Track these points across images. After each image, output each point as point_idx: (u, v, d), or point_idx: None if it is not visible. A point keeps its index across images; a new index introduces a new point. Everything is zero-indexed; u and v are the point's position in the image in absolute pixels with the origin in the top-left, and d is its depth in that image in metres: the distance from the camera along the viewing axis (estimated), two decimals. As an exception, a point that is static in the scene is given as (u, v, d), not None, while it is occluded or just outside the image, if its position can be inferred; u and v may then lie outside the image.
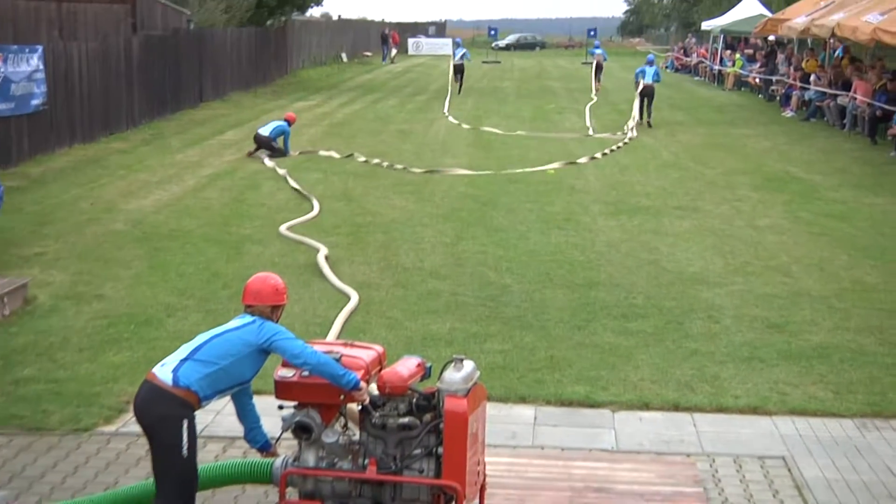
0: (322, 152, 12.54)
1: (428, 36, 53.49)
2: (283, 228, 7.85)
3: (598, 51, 26.56)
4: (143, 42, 15.00)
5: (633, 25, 76.53)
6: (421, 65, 38.40)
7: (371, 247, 7.43)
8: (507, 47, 59.57)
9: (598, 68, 24.39)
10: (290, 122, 12.44)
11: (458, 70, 23.33)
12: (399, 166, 11.35)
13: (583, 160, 11.93)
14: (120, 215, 8.44)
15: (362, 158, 11.85)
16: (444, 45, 50.03)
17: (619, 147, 13.11)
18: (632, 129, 14.86)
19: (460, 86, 23.06)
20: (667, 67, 35.89)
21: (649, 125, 15.50)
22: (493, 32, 42.38)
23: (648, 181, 10.57)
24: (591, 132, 14.90)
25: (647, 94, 15.88)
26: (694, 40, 34.22)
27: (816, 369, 4.98)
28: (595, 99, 18.36)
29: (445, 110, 18.08)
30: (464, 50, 24.38)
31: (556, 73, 32.59)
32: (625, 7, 79.89)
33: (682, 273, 6.79)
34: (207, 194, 9.60)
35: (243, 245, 7.47)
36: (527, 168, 11.23)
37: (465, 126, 15.57)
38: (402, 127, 15.72)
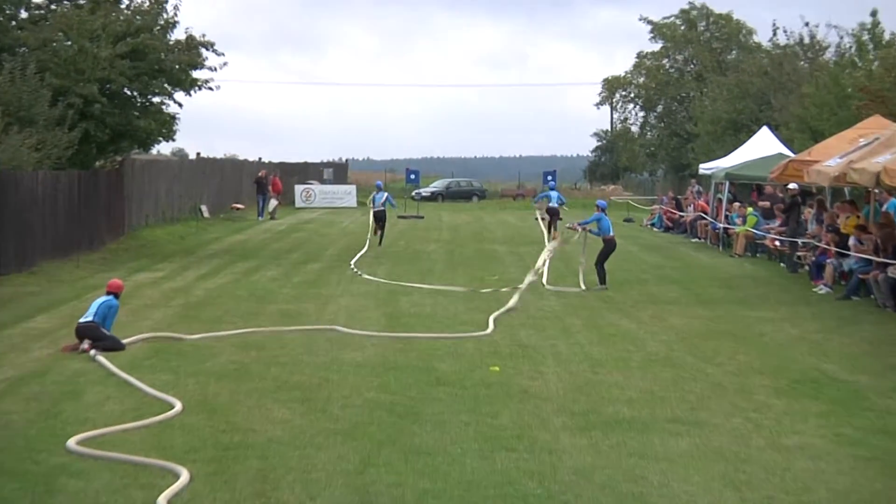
0: (178, 336, 12.83)
1: (323, 181, 55.70)
2: (71, 442, 8.16)
3: (553, 193, 30.54)
4: None
5: (605, 168, 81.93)
6: (313, 221, 39.67)
7: (241, 479, 7.50)
8: (434, 196, 62.36)
9: (553, 214, 29.31)
10: (115, 293, 12.74)
11: (379, 218, 27.37)
12: (283, 360, 11.71)
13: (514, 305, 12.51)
14: None
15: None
16: (345, 195, 52.31)
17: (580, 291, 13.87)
18: (582, 285, 18.04)
19: (381, 237, 27.37)
20: (653, 225, 38.25)
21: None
22: (412, 177, 44.64)
23: (630, 382, 11.04)
24: (544, 281, 18.76)
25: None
26: (698, 188, 36.41)
27: None
28: (549, 253, 19.67)
29: (352, 264, 22.12)
30: (386, 194, 28.07)
31: (502, 232, 34.24)
32: (594, 143, 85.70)
33: (680, 511, 6.97)
34: (5, 406, 9.65)
35: (55, 479, 7.49)
36: (459, 333, 11.70)
37: (378, 287, 16.26)
38: (288, 307, 16.18)
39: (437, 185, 66.09)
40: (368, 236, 27.45)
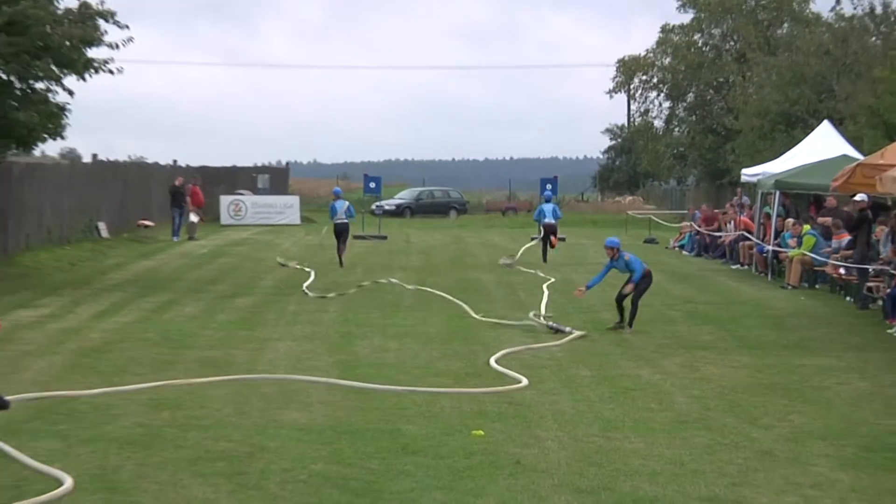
0: (68, 394, 12.79)
1: (257, 191, 55.77)
2: None
3: (547, 206, 32.12)
4: None
5: (620, 174, 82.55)
6: (244, 243, 39.74)
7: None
8: (400, 211, 62.81)
9: (550, 231, 31.35)
10: None
11: (341, 232, 29.49)
12: (205, 422, 11.70)
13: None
14: None
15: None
16: (286, 209, 52.55)
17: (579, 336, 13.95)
18: (572, 331, 18.32)
19: (341, 257, 29.54)
20: (682, 247, 38.52)
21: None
22: (372, 185, 44.74)
23: (654, 450, 11.08)
24: (541, 318, 19.54)
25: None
26: (743, 200, 36.46)
27: None
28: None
29: (306, 287, 23.96)
30: (346, 203, 29.82)
31: (488, 256, 34.45)
32: (606, 142, 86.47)
33: None
34: None
35: None
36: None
37: (328, 329, 16.27)
38: (211, 354, 16.15)
39: (403, 196, 66.32)
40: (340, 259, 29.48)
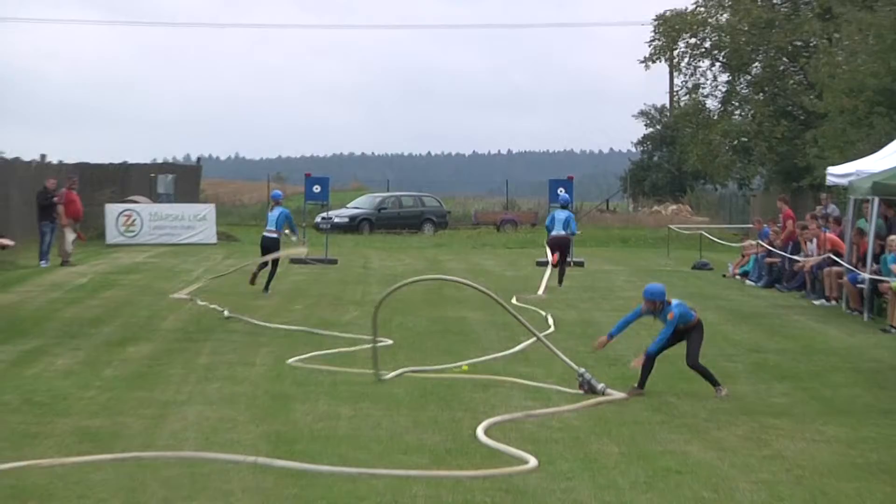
0: None
1: (158, 197, 55.69)
2: None
3: (561, 214, 33.27)
4: None
5: (660, 173, 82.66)
6: (138, 269, 39.79)
7: None
8: (355, 225, 63.16)
9: (560, 246, 32.77)
10: None
11: (266, 248, 31.05)
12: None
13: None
14: None
15: None
16: (196, 222, 52.59)
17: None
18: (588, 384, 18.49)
19: (269, 279, 30.99)
20: (745, 275, 38.62)
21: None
22: (316, 189, 44.50)
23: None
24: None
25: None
26: (829, 209, 36.29)
27: None
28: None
29: (226, 312, 25.97)
30: (286, 211, 31.31)
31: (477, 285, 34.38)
32: (640, 130, 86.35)
33: None
34: None
35: None
36: None
37: (256, 387, 16.26)
38: (93, 423, 16.11)
39: (360, 205, 66.52)
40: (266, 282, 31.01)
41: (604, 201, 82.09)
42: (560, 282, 32.66)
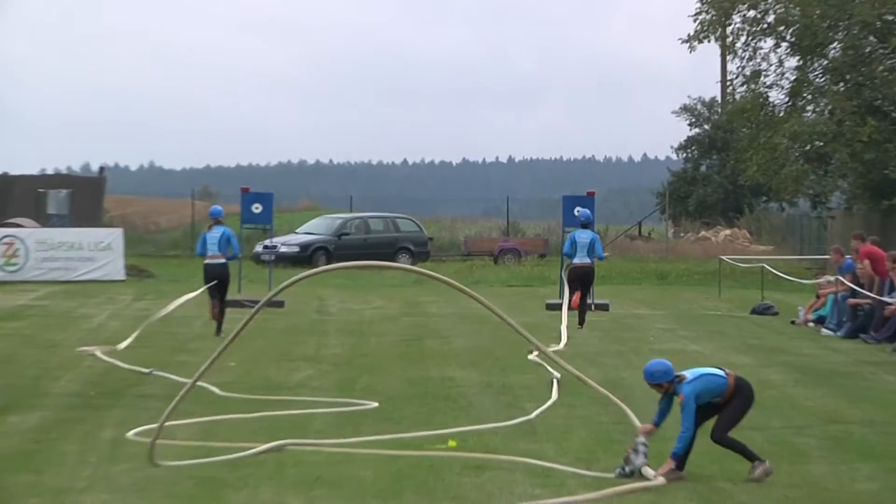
0: None
1: (49, 219, 55.74)
2: None
3: (583, 235, 33.65)
4: None
5: (708, 189, 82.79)
6: (22, 314, 40.20)
7: None
8: (307, 254, 63.46)
9: (583, 278, 32.92)
10: None
11: (214, 278, 32.09)
12: None
13: None
14: None
15: None
16: (97, 251, 52.52)
17: None
18: None
19: (219, 319, 32.20)
20: (820, 321, 38.73)
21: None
22: (257, 208, 44.46)
23: None
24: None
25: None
26: None
27: None
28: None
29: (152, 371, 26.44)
30: (228, 231, 32.28)
31: (469, 338, 34.98)
32: (683, 131, 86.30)
33: None
34: None
35: None
36: None
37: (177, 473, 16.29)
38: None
39: (314, 230, 66.72)
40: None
41: (635, 225, 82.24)
42: (581, 321, 33.04)
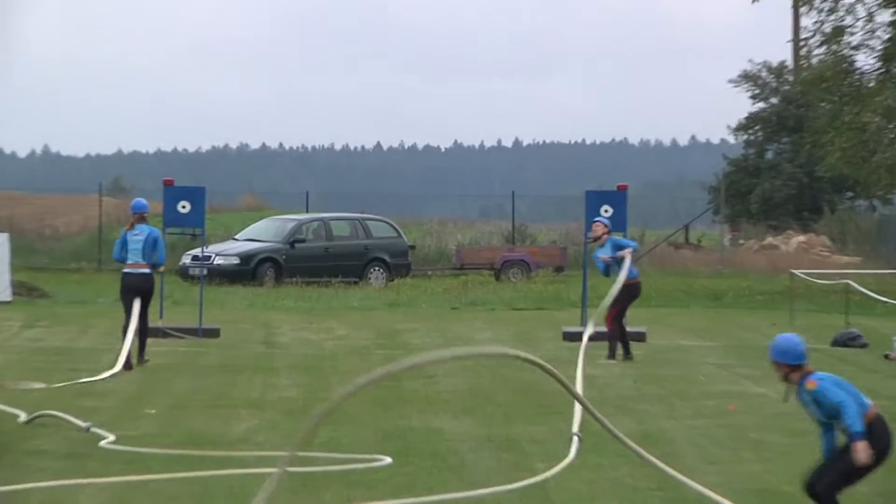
0: None
1: None
2: None
3: (604, 254, 35.57)
4: None
5: (776, 183, 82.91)
6: None
7: None
8: (252, 267, 63.61)
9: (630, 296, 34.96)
10: None
11: (136, 291, 32.64)
12: None
13: None
14: None
15: None
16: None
17: None
18: None
19: (141, 340, 33.29)
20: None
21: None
22: (184, 207, 44.68)
23: None
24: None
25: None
26: None
27: None
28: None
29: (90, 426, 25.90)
30: (155, 231, 32.94)
31: (462, 376, 35.27)
32: (744, 106, 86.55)
33: None
34: None
35: None
36: None
37: None
38: None
39: (259, 235, 67.08)
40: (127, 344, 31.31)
41: (681, 229, 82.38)
42: (627, 351, 34.34)
